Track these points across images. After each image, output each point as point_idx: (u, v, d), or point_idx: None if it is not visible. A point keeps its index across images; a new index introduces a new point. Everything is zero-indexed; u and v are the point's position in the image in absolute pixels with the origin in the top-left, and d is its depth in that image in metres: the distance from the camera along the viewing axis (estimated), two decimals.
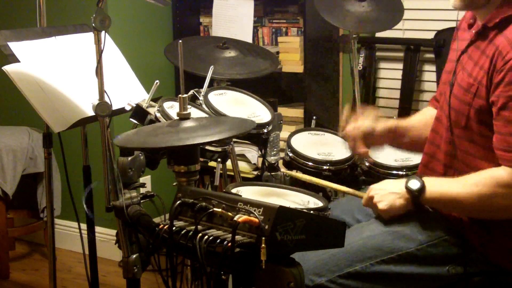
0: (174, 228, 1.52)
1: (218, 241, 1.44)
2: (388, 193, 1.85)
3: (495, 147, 1.71)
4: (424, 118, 2.10)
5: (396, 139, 2.11)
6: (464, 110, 1.79)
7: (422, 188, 1.79)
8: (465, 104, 1.78)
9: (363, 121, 2.06)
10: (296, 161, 2.52)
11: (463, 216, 1.82)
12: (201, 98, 2.44)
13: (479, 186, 1.72)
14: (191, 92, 2.49)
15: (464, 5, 1.81)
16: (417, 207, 1.82)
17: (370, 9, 2.92)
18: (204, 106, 2.40)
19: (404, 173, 2.43)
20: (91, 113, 2.07)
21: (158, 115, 2.18)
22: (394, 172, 2.45)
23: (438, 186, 1.79)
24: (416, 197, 1.79)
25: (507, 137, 1.68)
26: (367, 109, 2.10)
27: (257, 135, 2.44)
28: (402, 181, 1.83)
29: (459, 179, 1.77)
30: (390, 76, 3.51)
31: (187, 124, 1.74)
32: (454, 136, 1.83)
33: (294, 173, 2.32)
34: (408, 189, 1.80)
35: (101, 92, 1.95)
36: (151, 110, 2.22)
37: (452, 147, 1.84)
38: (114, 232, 1.97)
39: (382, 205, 1.84)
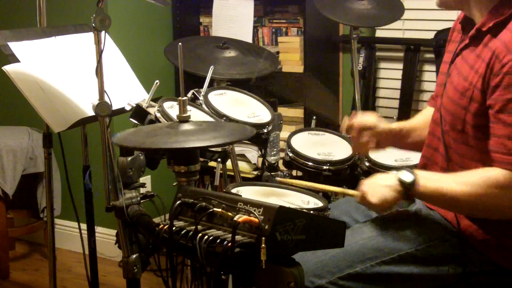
0: (174, 228, 1.53)
1: (218, 241, 1.44)
2: (380, 186, 1.81)
3: (491, 150, 1.71)
4: (425, 118, 2.10)
5: (399, 141, 2.11)
6: (460, 114, 1.78)
7: (415, 181, 1.76)
8: (461, 108, 1.78)
9: (367, 117, 2.06)
10: (296, 161, 2.52)
11: (456, 213, 1.82)
12: (201, 98, 2.44)
13: (473, 185, 1.71)
14: (191, 92, 2.49)
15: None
16: (408, 200, 1.81)
17: (370, 7, 2.93)
18: (204, 106, 2.40)
19: None
20: (91, 113, 2.07)
21: (158, 115, 2.18)
22: (394, 172, 2.44)
23: (431, 181, 1.77)
24: (408, 189, 1.76)
25: (504, 140, 1.68)
26: (368, 113, 2.11)
27: (257, 135, 2.44)
28: (394, 173, 1.80)
29: (452, 175, 1.76)
30: (390, 76, 3.51)
31: (186, 127, 1.74)
32: (450, 139, 1.83)
33: (287, 180, 2.28)
34: (401, 182, 1.77)
35: (101, 92, 1.95)
36: (151, 110, 2.22)
37: (448, 150, 1.84)
38: (114, 232, 1.97)
39: (374, 199, 1.80)
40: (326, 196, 2.44)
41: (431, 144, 1.94)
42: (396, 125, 2.11)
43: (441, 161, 1.88)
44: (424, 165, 1.97)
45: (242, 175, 3.03)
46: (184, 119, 1.76)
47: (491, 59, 1.69)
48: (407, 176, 1.77)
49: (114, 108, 2.01)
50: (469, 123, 1.76)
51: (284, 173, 2.50)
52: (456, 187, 1.73)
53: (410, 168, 2.40)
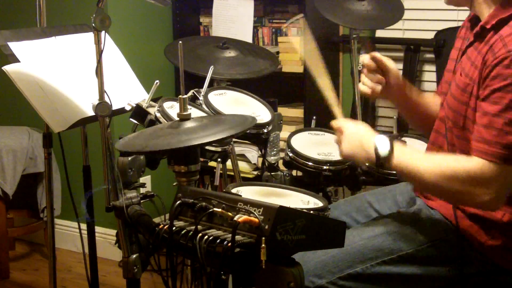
0: (174, 228, 1.52)
1: (218, 241, 1.44)
2: (357, 142, 1.81)
3: (472, 138, 1.72)
4: (433, 98, 2.12)
5: (407, 101, 2.11)
6: (461, 110, 1.79)
7: (390, 156, 1.76)
8: (463, 104, 1.78)
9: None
10: (296, 161, 2.52)
11: (421, 190, 1.84)
12: (201, 98, 2.44)
13: (443, 166, 1.70)
14: (191, 92, 2.49)
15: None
16: (378, 168, 1.82)
17: (370, 8, 2.93)
18: (204, 106, 2.40)
19: None
20: (91, 113, 2.07)
21: (158, 115, 2.18)
22: (394, 172, 2.44)
23: (405, 157, 1.77)
24: (380, 163, 1.77)
25: (480, 128, 1.69)
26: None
27: (257, 135, 2.44)
28: (373, 137, 1.79)
29: (427, 155, 1.77)
30: None
31: (188, 125, 1.74)
32: (453, 136, 1.83)
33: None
34: (376, 153, 1.77)
35: (101, 92, 1.95)
36: (151, 110, 2.22)
37: (452, 148, 1.84)
38: (114, 232, 1.97)
39: (345, 149, 1.83)
40: (326, 196, 2.44)
41: (436, 141, 1.94)
42: (410, 89, 2.11)
43: None
44: None
45: (242, 175, 3.03)
46: (185, 118, 1.76)
47: (487, 53, 1.71)
48: (383, 148, 1.76)
49: (114, 108, 2.01)
50: (469, 119, 1.77)
51: (285, 173, 2.50)
52: (427, 165, 1.72)
53: None
